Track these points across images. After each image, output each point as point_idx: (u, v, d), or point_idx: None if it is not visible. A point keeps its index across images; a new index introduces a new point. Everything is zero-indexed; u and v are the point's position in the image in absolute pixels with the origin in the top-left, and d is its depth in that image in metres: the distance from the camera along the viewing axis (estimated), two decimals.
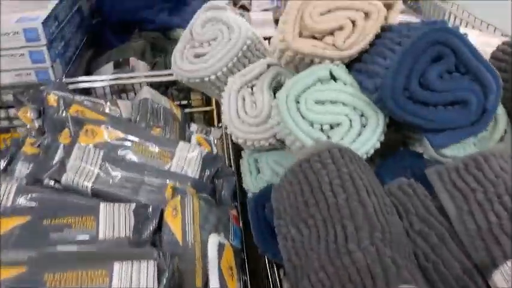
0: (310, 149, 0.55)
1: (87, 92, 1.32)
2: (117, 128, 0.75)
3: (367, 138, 0.60)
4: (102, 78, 1.27)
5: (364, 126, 0.60)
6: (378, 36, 0.61)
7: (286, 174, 0.56)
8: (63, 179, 0.70)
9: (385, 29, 0.61)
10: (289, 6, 0.61)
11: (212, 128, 1.16)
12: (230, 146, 1.06)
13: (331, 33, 0.60)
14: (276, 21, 1.86)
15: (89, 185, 0.69)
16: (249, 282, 0.65)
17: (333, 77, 0.62)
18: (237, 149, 1.11)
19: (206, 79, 0.77)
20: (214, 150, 1.09)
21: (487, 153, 0.60)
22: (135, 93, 1.32)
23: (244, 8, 1.92)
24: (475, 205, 0.55)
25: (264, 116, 0.72)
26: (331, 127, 0.61)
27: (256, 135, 0.72)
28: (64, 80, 1.25)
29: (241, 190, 0.84)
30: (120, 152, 0.73)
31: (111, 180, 0.70)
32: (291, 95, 0.61)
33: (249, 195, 0.77)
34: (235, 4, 1.94)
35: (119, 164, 0.71)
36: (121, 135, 0.75)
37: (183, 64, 0.79)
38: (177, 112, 1.13)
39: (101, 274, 0.49)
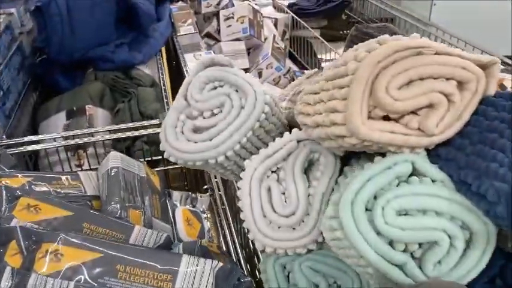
0: None
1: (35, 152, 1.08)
2: (91, 243, 0.53)
3: (475, 262, 0.42)
4: (54, 136, 1.03)
5: (469, 245, 0.42)
6: (474, 112, 0.43)
7: None
8: None
9: (481, 101, 0.44)
10: (352, 75, 0.42)
11: (199, 195, 0.95)
12: (228, 217, 0.86)
13: (413, 111, 0.42)
14: (248, 51, 1.67)
15: None
16: None
17: (414, 172, 0.44)
18: (234, 214, 0.91)
19: (212, 161, 0.57)
20: (206, 227, 0.88)
21: None
22: (95, 149, 1.09)
23: (211, 37, 1.72)
24: None
25: (300, 215, 0.52)
26: (420, 246, 0.42)
27: (291, 243, 0.52)
28: (5, 141, 1.00)
29: None
30: (99, 281, 0.50)
31: None
32: (359, 201, 0.42)
33: None
34: (200, 32, 1.74)
35: None
36: (98, 251, 0.52)
37: (179, 142, 0.57)
38: (154, 179, 0.91)
39: None
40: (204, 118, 0.58)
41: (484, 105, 0.43)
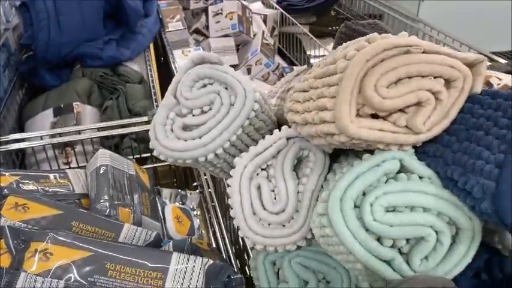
0: None
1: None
2: (81, 241, 0.52)
3: (461, 257, 0.43)
4: (40, 134, 1.02)
5: (456, 240, 0.43)
6: (461, 110, 0.44)
7: None
8: None
9: (468, 99, 0.44)
10: (342, 74, 0.42)
11: (188, 193, 0.95)
12: (218, 214, 0.86)
13: (401, 109, 0.43)
14: (237, 48, 1.67)
15: None
16: None
17: (402, 169, 0.45)
18: (224, 211, 0.91)
19: (201, 159, 0.57)
20: (196, 224, 0.88)
21: None
22: (83, 146, 1.08)
23: (200, 33, 1.71)
24: None
25: (289, 212, 0.53)
26: (407, 241, 0.43)
27: (281, 240, 0.52)
28: None
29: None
30: (90, 280, 0.50)
31: None
32: (348, 198, 0.43)
33: None
34: (188, 28, 1.74)
35: None
36: (88, 250, 0.52)
37: (168, 140, 0.57)
38: (144, 177, 0.90)
39: None
40: (194, 116, 0.58)
41: (470, 103, 0.44)
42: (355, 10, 2.10)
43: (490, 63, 1.29)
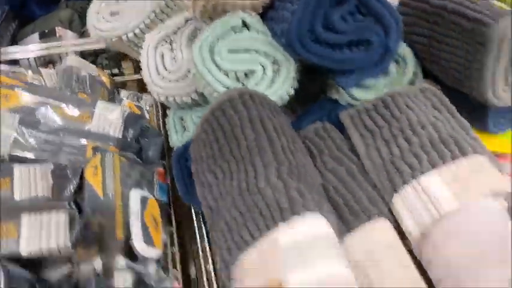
0: (222, 96, 0.56)
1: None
2: (34, 92, 0.73)
3: (281, 84, 0.61)
4: (26, 49, 1.22)
5: (277, 73, 0.62)
6: None
7: (201, 124, 0.57)
8: None
9: None
10: None
11: (144, 94, 1.14)
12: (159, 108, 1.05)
13: None
14: None
15: (5, 150, 0.67)
16: (175, 233, 0.67)
17: (246, 26, 0.63)
18: None
19: (124, 37, 0.76)
20: (146, 117, 1.08)
21: (394, 93, 0.63)
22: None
23: None
24: (380, 141, 0.58)
25: (183, 71, 0.72)
26: (246, 75, 0.62)
27: (177, 91, 0.72)
28: None
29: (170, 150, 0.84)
30: (38, 115, 0.71)
31: (28, 145, 0.68)
32: (204, 45, 0.62)
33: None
34: None
35: (36, 127, 0.69)
36: (38, 98, 0.72)
37: (100, 23, 0.77)
38: (106, 80, 1.10)
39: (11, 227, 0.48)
40: (118, 4, 0.77)
41: None
42: None
43: None
